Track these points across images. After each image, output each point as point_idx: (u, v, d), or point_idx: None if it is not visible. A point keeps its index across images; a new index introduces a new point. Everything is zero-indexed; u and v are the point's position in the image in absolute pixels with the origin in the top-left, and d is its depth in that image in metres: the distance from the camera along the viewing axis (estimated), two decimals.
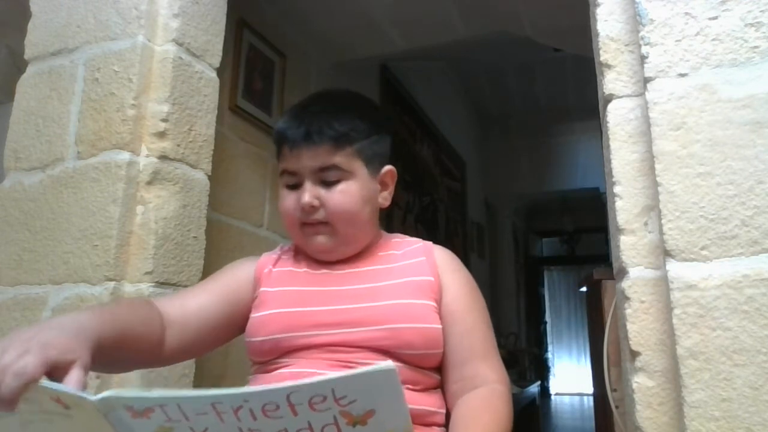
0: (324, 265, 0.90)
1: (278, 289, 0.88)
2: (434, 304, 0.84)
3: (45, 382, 0.55)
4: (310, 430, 0.54)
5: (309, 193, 0.85)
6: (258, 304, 0.88)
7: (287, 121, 0.88)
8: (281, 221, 2.22)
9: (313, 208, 0.85)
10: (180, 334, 0.84)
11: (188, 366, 1.30)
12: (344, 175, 0.86)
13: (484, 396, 0.80)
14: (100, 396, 0.52)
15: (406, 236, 0.98)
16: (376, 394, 0.53)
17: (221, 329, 0.89)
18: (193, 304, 0.87)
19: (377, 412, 0.53)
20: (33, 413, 0.56)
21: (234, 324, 0.91)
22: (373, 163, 0.90)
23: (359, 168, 0.87)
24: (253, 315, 0.87)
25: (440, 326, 0.83)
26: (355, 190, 0.86)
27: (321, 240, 0.87)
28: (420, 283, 0.85)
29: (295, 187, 0.87)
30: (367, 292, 0.84)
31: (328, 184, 0.85)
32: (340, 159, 0.85)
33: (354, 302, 0.83)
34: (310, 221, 0.86)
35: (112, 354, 0.70)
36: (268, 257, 0.95)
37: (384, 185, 0.93)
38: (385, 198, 0.93)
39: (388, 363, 0.52)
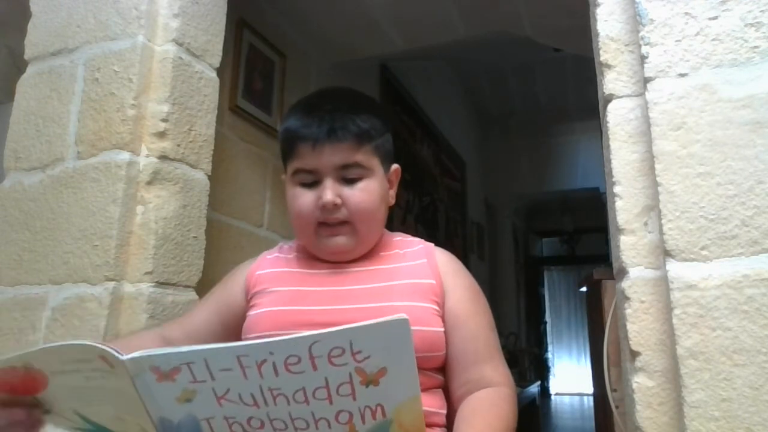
0: (325, 264, 0.89)
1: (276, 289, 0.87)
2: (435, 307, 0.84)
3: (88, 341, 0.57)
4: (327, 389, 0.56)
5: (331, 191, 0.83)
6: (254, 304, 0.88)
7: (301, 119, 0.85)
8: (281, 221, 2.20)
9: (335, 207, 0.83)
10: None
11: None
12: (365, 172, 0.85)
13: (487, 397, 0.80)
14: (130, 356, 0.54)
15: (408, 235, 0.97)
16: (390, 348, 0.55)
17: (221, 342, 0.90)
18: (192, 326, 0.92)
19: (389, 372, 0.55)
20: (92, 370, 0.58)
21: (234, 335, 0.91)
22: (386, 161, 0.90)
23: (377, 166, 0.87)
24: (250, 314, 0.87)
25: (441, 329, 0.83)
26: (374, 188, 0.86)
27: (341, 241, 0.85)
28: (421, 285, 0.85)
29: (311, 185, 0.85)
30: (365, 292, 0.84)
31: (349, 181, 0.84)
32: (361, 156, 0.84)
33: (351, 302, 0.83)
34: (329, 221, 0.84)
35: None
36: (262, 259, 0.95)
37: (390, 183, 0.93)
38: (391, 196, 0.93)
39: (401, 315, 0.53)
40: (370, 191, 0.85)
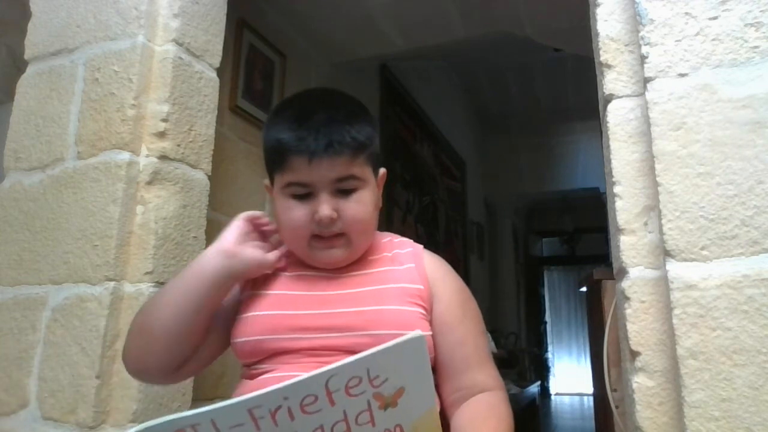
0: (313, 268, 0.88)
1: (263, 292, 0.86)
2: (423, 311, 0.83)
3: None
4: (345, 422, 0.54)
5: (328, 205, 0.81)
6: (243, 306, 0.87)
7: (293, 130, 0.81)
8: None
9: (332, 221, 0.81)
10: (197, 361, 0.88)
11: None
12: (359, 183, 0.83)
13: (487, 401, 0.80)
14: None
15: (396, 236, 0.96)
16: (406, 367, 0.54)
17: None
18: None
19: (407, 390, 0.55)
20: None
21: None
22: (376, 168, 0.89)
23: (369, 175, 0.86)
24: (238, 316, 0.86)
25: (429, 333, 0.82)
26: (368, 198, 0.85)
27: (336, 253, 0.84)
28: (408, 290, 0.84)
29: (304, 197, 0.83)
30: (353, 296, 0.83)
31: (344, 193, 0.83)
32: (357, 168, 0.82)
33: (339, 307, 0.82)
34: (324, 234, 0.83)
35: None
36: None
37: (378, 187, 0.91)
38: (378, 199, 0.92)
39: (417, 332, 0.53)
40: (365, 202, 0.84)
